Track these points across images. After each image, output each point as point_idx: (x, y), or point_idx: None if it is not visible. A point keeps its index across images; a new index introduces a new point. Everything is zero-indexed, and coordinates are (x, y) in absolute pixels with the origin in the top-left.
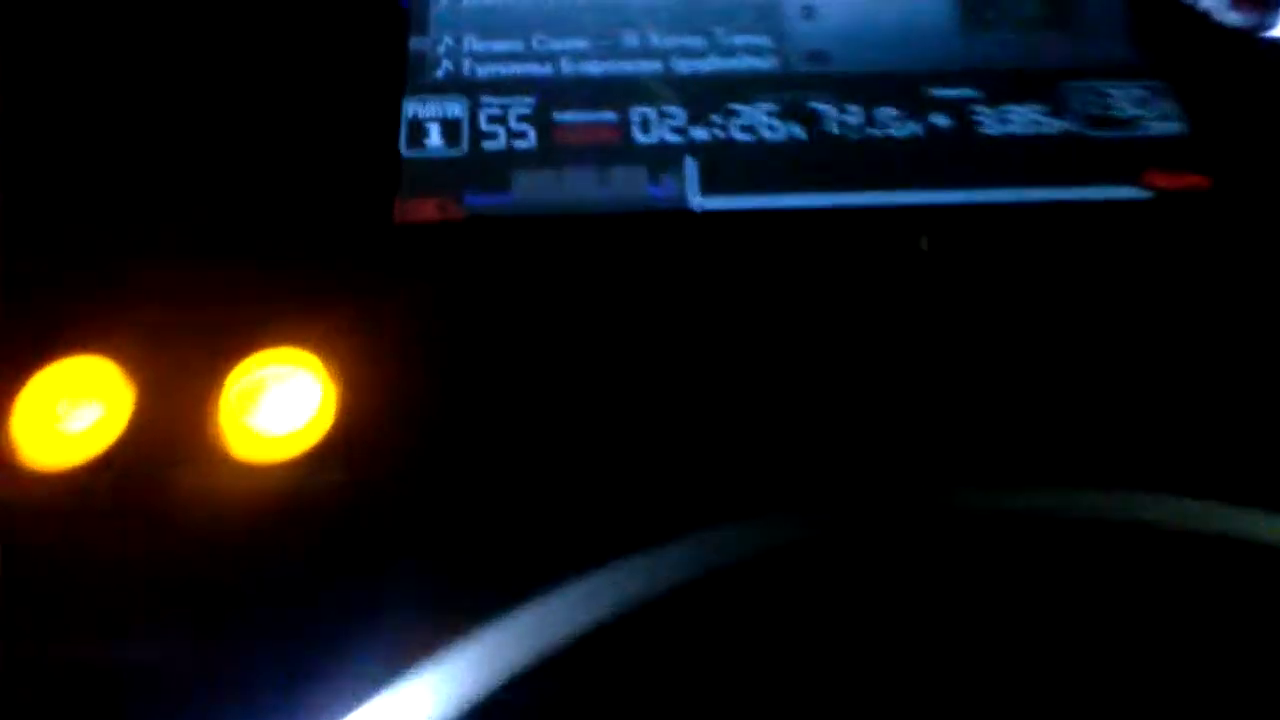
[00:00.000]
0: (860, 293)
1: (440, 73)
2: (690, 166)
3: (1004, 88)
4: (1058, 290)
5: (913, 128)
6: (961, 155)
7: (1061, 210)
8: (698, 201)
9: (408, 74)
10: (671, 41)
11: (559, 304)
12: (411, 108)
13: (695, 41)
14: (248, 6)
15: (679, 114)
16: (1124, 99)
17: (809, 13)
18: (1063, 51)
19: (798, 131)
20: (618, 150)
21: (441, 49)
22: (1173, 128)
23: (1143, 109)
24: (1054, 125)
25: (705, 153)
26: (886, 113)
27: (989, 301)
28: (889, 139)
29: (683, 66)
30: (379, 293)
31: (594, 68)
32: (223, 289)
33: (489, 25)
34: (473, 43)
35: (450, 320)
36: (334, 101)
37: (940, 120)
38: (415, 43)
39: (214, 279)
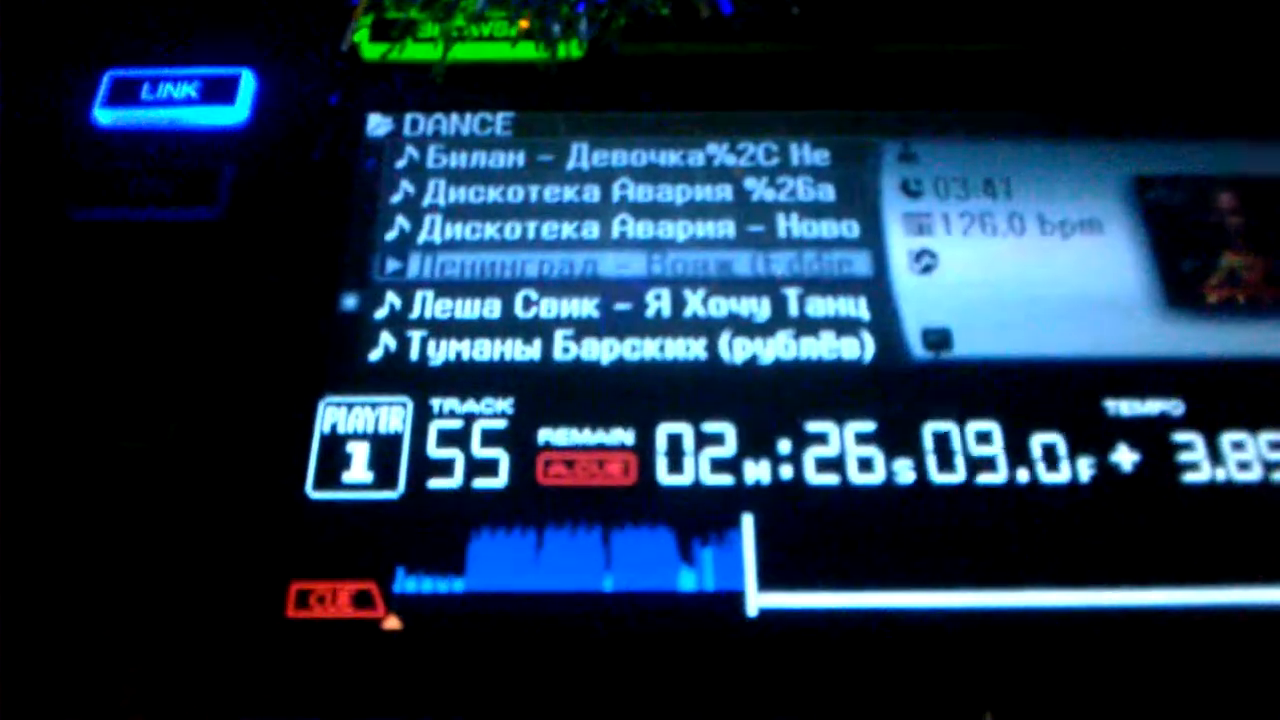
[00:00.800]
0: None
1: (378, 355)
2: (745, 533)
3: (1223, 398)
4: None
5: (1080, 468)
6: (1152, 518)
7: None
8: (754, 603)
9: (329, 353)
10: (721, 307)
11: None
12: (330, 415)
13: (756, 309)
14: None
15: (728, 436)
16: None
17: (926, 264)
18: None
19: (904, 473)
20: (632, 498)
21: (383, 313)
22: None
23: None
24: None
25: (765, 511)
26: (1040, 441)
27: None
28: (1038, 489)
29: (737, 351)
30: None
31: (604, 349)
32: None
33: (456, 272)
34: (429, 303)
35: None
36: (217, 396)
37: (1123, 456)
38: (347, 301)
39: None
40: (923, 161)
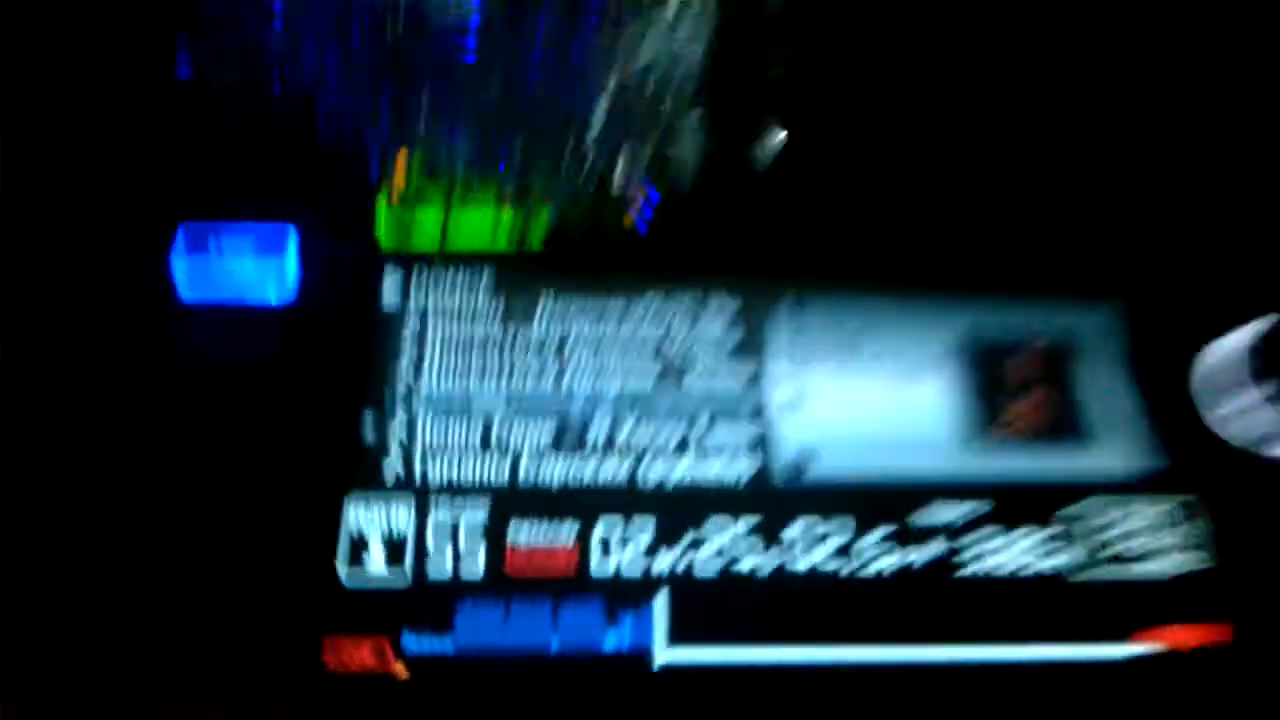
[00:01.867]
0: None
1: (389, 473)
2: (658, 605)
3: (1007, 509)
4: None
5: (895, 561)
6: (947, 600)
7: (1049, 672)
8: (662, 654)
9: (356, 464)
10: (644, 434)
11: None
12: (355, 513)
13: (671, 436)
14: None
15: (646, 532)
16: (1140, 525)
17: (796, 402)
18: (1078, 466)
19: (770, 563)
20: (573, 583)
21: (395, 440)
22: (1191, 562)
23: (1160, 538)
24: (1053, 561)
25: (675, 585)
26: (870, 541)
27: None
28: (864, 578)
29: (653, 471)
30: None
31: (555, 469)
32: None
33: (447, 408)
34: (428, 430)
35: None
36: (263, 490)
37: (923, 554)
38: (370, 425)
39: None
40: (809, 310)
